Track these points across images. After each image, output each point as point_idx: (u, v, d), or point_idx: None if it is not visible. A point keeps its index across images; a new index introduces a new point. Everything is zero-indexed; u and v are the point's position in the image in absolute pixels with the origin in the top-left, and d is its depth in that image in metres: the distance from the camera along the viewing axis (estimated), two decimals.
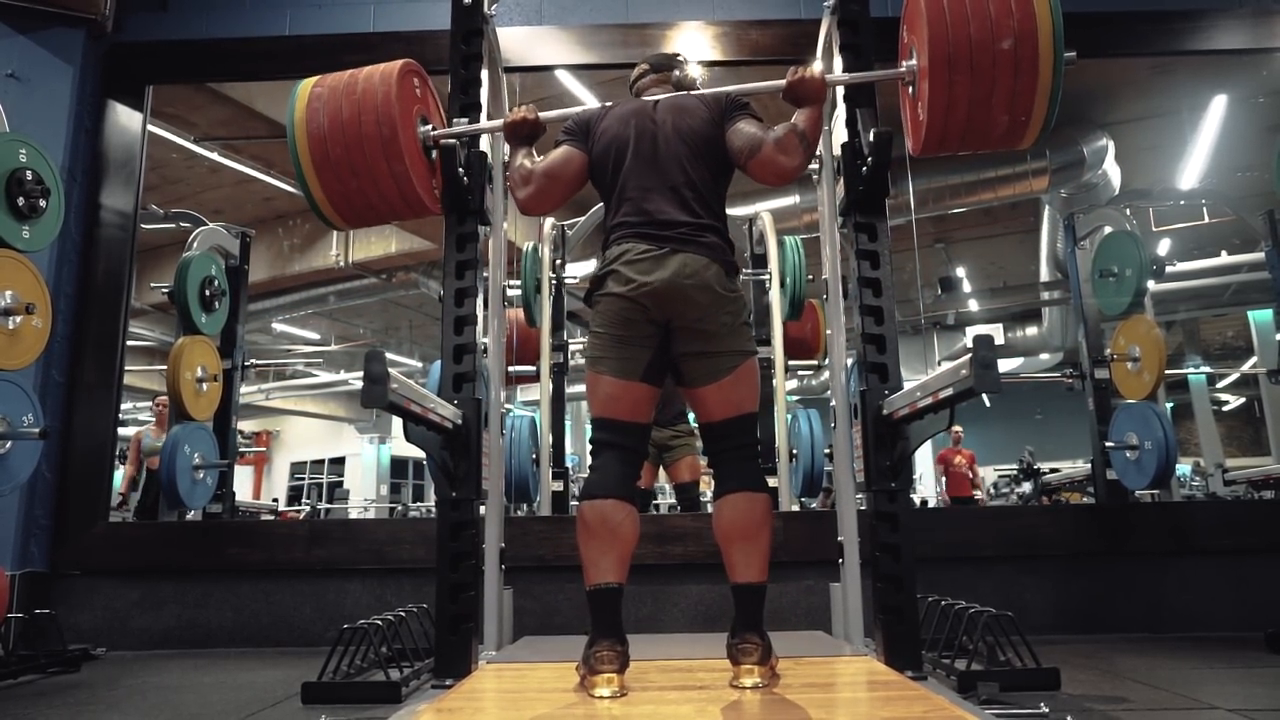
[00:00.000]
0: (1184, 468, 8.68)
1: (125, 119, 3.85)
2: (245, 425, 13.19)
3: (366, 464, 14.39)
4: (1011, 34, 1.95)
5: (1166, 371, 3.75)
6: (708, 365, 1.87)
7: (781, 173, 1.89)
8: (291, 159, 2.18)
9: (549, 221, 4.58)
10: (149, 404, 6.32)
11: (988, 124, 2.04)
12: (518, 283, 4.38)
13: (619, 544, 1.79)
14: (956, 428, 7.52)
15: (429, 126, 2.30)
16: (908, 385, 2.08)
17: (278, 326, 10.68)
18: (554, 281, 4.46)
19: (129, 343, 3.78)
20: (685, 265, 1.84)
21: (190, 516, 3.93)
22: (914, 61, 2.13)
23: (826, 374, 3.16)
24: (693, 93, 2.06)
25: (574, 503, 4.54)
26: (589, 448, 1.93)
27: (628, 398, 1.87)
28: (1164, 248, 8.25)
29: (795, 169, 1.89)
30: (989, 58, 1.96)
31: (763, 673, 1.76)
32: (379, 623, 2.47)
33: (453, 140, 2.28)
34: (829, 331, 2.68)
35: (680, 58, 2.17)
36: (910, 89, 2.19)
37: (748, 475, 1.89)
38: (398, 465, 14.36)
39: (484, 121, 2.43)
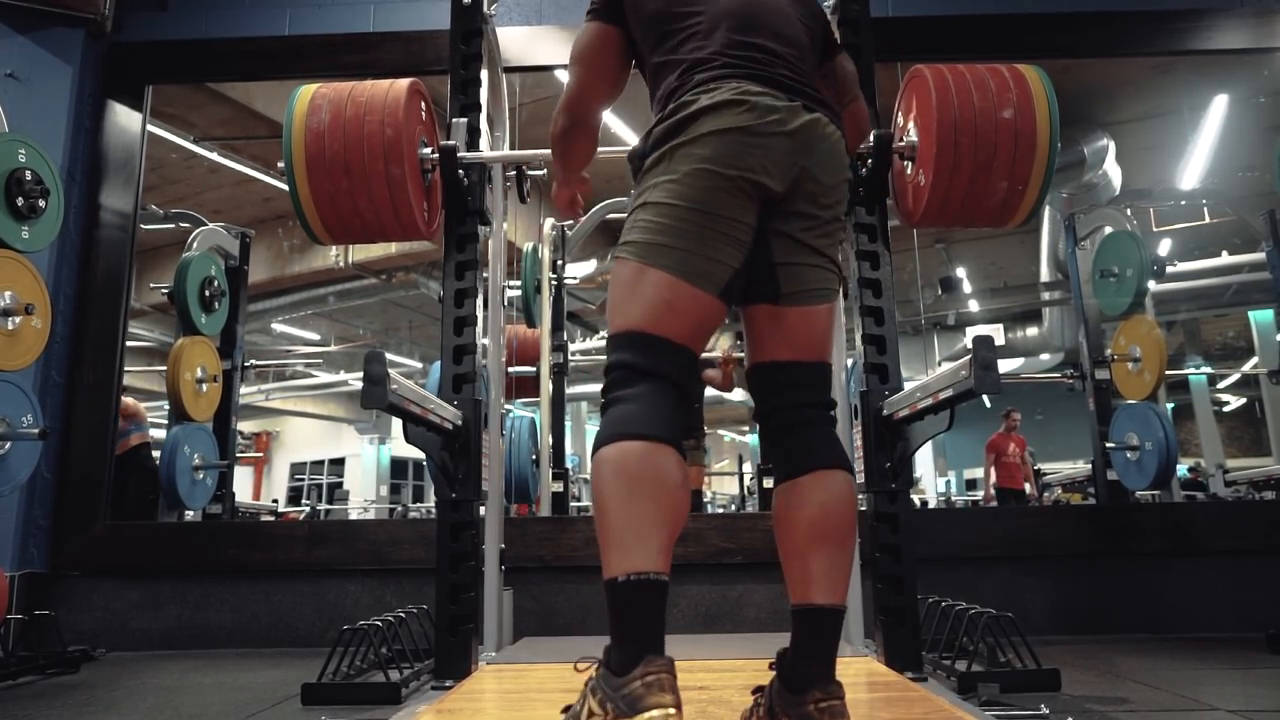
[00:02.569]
0: (1184, 468, 8.66)
1: (125, 119, 3.84)
2: (245, 426, 13.19)
3: (366, 465, 14.40)
4: (1012, 105, 2.16)
5: (1167, 372, 3.76)
6: (810, 277, 1.28)
7: (861, 131, 1.65)
8: (284, 151, 2.15)
9: (549, 222, 4.57)
10: (149, 404, 6.14)
11: (988, 190, 2.20)
12: (518, 283, 4.38)
13: (672, 511, 1.15)
14: (1015, 414, 7.14)
15: (429, 149, 2.30)
16: (908, 386, 2.08)
17: (277, 327, 10.69)
18: (554, 282, 4.47)
19: (129, 343, 3.77)
20: (819, 126, 1.27)
21: (190, 517, 3.93)
22: (913, 138, 2.30)
23: None
24: None
25: (574, 503, 4.53)
26: (601, 394, 1.25)
27: (694, 313, 1.21)
28: (1165, 248, 8.25)
29: (853, 148, 1.70)
30: (991, 124, 2.15)
31: None
32: (379, 624, 2.47)
33: (453, 142, 2.29)
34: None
35: None
36: (907, 165, 2.34)
37: (838, 448, 1.31)
38: (398, 466, 14.36)
39: (490, 156, 2.47)
